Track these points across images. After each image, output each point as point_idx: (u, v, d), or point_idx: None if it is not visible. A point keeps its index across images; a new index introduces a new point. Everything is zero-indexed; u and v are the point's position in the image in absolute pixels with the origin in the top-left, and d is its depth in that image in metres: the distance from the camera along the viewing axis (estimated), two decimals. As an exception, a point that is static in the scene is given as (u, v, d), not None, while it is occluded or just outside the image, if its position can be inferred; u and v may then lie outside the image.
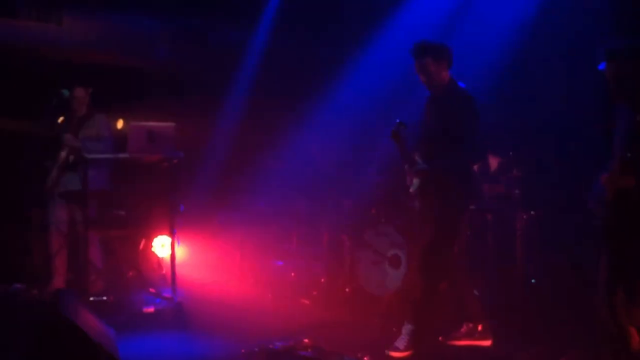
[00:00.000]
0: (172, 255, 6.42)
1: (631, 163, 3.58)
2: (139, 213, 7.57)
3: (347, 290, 6.57)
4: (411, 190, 4.99)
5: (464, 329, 5.11)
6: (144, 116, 6.79)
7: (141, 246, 7.76)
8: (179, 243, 7.86)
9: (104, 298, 6.47)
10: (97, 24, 7.29)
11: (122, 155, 6.34)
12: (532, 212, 6.32)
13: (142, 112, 7.14)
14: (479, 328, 5.10)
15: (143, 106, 7.26)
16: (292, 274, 7.13)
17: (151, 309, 6.20)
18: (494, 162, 6.84)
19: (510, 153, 6.45)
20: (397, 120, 4.96)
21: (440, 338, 5.12)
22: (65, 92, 6.50)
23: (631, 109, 3.77)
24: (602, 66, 3.79)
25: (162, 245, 7.97)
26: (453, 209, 4.90)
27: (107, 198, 6.86)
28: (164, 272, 7.62)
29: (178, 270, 7.70)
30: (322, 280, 6.87)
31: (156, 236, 7.82)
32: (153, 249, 7.90)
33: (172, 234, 6.48)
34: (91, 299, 6.41)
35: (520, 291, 6.11)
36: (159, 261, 7.83)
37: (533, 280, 6.21)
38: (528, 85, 6.54)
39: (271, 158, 7.52)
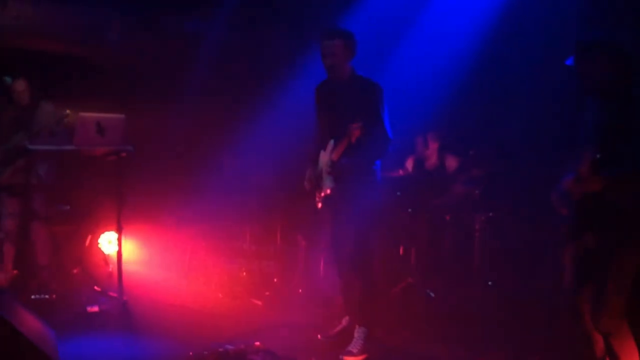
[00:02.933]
0: (119, 252, 6.12)
1: (599, 165, 3.44)
2: (85, 208, 7.30)
3: (300, 291, 6.39)
4: (327, 191, 4.79)
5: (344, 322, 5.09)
6: (93, 107, 6.47)
7: (87, 242, 7.48)
8: (127, 239, 7.65)
9: (47, 296, 6.18)
10: (44, 8, 6.91)
11: (68, 148, 6.04)
12: (490, 214, 6.26)
13: (91, 102, 6.80)
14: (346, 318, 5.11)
15: (92, 96, 6.91)
16: (244, 274, 6.91)
17: (95, 309, 5.91)
18: (453, 162, 6.76)
19: (471, 152, 6.36)
20: (312, 175, 4.90)
21: (319, 336, 5.05)
22: (8, 80, 6.18)
23: (600, 105, 3.64)
24: (569, 61, 3.67)
25: (109, 242, 7.71)
26: (371, 202, 4.77)
27: (54, 192, 6.56)
28: (110, 269, 7.35)
29: (126, 268, 7.47)
30: (275, 280, 6.67)
31: (103, 232, 7.55)
32: (100, 246, 7.61)
33: (119, 230, 6.20)
34: (33, 297, 6.14)
35: (477, 293, 6.02)
36: (105, 258, 7.54)
37: (490, 283, 6.13)
38: (490, 83, 6.46)
39: (225, 153, 7.28)
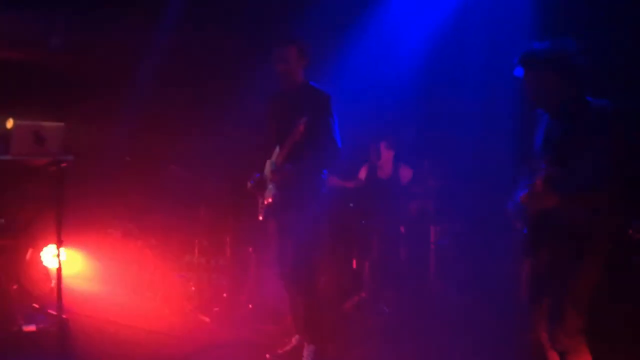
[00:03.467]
0: (59, 267, 5.84)
1: (554, 180, 3.29)
2: (23, 221, 6.94)
3: (250, 306, 6.14)
4: (268, 199, 4.60)
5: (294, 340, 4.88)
6: (34, 114, 6.17)
7: (28, 257, 7.12)
8: (72, 252, 7.32)
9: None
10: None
11: (3, 158, 5.73)
12: (445, 225, 6.13)
13: (31, 109, 6.48)
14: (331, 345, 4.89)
15: (33, 104, 6.59)
16: (193, 288, 6.64)
17: (32, 328, 5.56)
18: (407, 173, 6.62)
19: (425, 163, 6.23)
20: (257, 175, 4.74)
21: (267, 355, 4.83)
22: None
23: (552, 117, 3.51)
24: (518, 72, 3.51)
25: (53, 256, 7.37)
26: (316, 214, 4.59)
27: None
28: (53, 285, 7.01)
29: (70, 283, 7.19)
30: (225, 295, 6.42)
31: (45, 246, 7.20)
32: (42, 260, 7.26)
33: (59, 243, 5.90)
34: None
35: (433, 307, 5.87)
36: (47, 273, 7.18)
37: (448, 296, 5.98)
38: (445, 91, 6.35)
39: (173, 163, 7.01)
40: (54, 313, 5.70)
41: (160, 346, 5.26)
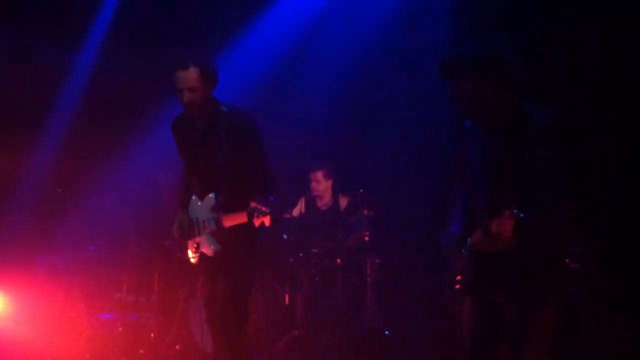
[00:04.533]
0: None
1: (519, 220, 2.74)
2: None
3: (177, 347, 5.72)
4: (210, 253, 4.16)
5: None
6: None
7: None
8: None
9: None
10: None
11: None
12: (383, 256, 5.81)
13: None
14: None
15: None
16: (120, 328, 6.20)
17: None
18: (343, 202, 6.31)
19: (360, 191, 5.92)
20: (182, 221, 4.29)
21: None
22: None
23: (487, 133, 3.06)
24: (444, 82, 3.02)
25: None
26: (254, 256, 4.22)
27: None
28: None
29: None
30: (152, 335, 5.99)
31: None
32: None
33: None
34: None
35: (370, 344, 5.51)
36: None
37: (387, 332, 5.64)
38: (379, 118, 6.07)
39: (98, 194, 6.63)
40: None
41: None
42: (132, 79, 6.83)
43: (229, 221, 4.01)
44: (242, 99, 4.35)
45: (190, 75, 3.94)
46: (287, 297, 5.86)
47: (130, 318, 6.24)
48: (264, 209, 3.76)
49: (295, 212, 6.58)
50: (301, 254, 5.89)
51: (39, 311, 6.82)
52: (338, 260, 5.89)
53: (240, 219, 3.92)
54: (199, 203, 4.23)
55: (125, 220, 6.53)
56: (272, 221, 3.84)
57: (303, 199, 6.60)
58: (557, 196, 2.75)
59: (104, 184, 6.75)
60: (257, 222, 3.78)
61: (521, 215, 2.70)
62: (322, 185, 6.39)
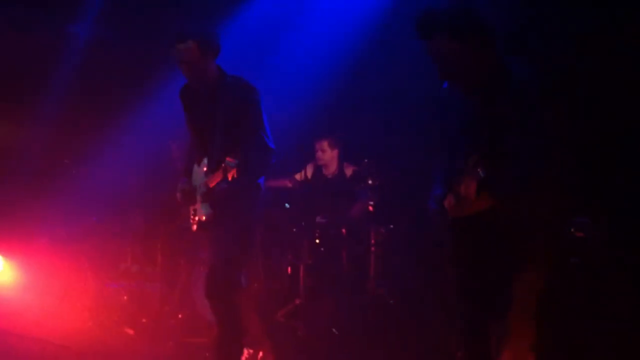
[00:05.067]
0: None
1: (483, 179, 2.71)
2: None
3: (180, 316, 5.69)
4: (201, 217, 4.12)
5: (244, 355, 4.41)
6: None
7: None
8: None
9: None
10: None
11: None
12: (391, 226, 5.71)
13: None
14: (260, 355, 4.53)
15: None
16: (125, 297, 6.19)
17: None
18: (348, 171, 6.21)
19: (365, 161, 5.80)
20: (184, 184, 4.26)
21: None
22: None
23: (466, 95, 2.92)
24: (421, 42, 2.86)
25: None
26: (249, 225, 4.14)
27: None
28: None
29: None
30: (156, 304, 5.96)
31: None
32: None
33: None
34: None
35: (374, 313, 5.43)
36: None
37: (391, 302, 5.55)
38: (384, 84, 5.92)
39: (101, 164, 6.58)
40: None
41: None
42: (138, 44, 6.73)
43: (211, 181, 3.98)
44: (243, 69, 4.24)
45: (188, 48, 3.90)
46: (289, 267, 5.80)
47: (135, 287, 6.23)
48: (233, 161, 3.76)
49: (298, 176, 6.48)
50: (303, 223, 5.81)
51: (44, 280, 6.86)
52: (343, 230, 5.80)
53: (218, 176, 3.91)
54: (198, 169, 4.21)
55: (129, 191, 6.48)
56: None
57: (310, 166, 6.50)
58: (537, 160, 2.63)
59: (107, 154, 6.69)
60: (229, 176, 3.79)
61: (482, 174, 2.60)
62: (327, 154, 6.29)
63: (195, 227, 4.22)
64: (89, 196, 6.65)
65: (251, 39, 6.12)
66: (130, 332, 5.62)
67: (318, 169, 6.43)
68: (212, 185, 3.98)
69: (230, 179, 3.79)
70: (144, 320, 5.77)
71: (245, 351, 4.48)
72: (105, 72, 6.77)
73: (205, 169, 4.09)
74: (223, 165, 3.80)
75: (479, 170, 2.68)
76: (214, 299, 4.06)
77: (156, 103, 6.31)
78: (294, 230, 5.82)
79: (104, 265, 6.62)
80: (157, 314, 5.81)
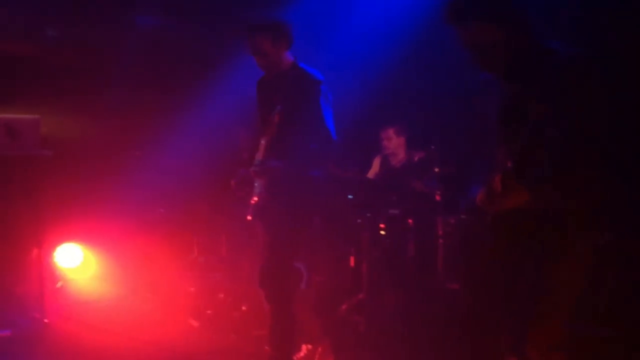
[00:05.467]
0: (40, 268, 5.57)
1: (516, 172, 2.51)
2: (20, 219, 6.66)
3: (243, 308, 5.64)
4: (254, 198, 4.03)
5: (303, 351, 4.36)
6: (28, 108, 5.90)
7: (33, 256, 6.88)
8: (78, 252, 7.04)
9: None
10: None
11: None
12: (462, 216, 5.45)
13: (25, 104, 6.20)
14: (319, 351, 4.43)
15: (30, 98, 6.28)
16: (192, 289, 6.21)
17: (7, 333, 5.27)
18: (415, 158, 5.98)
19: (432, 148, 5.56)
20: (242, 172, 4.22)
21: None
22: None
23: (504, 81, 2.73)
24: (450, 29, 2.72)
25: (67, 255, 7.11)
26: (302, 218, 4.04)
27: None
28: (59, 285, 6.75)
29: (74, 283, 6.91)
30: (221, 296, 5.94)
31: (57, 244, 6.94)
32: (54, 259, 7.01)
33: (39, 242, 5.62)
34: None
35: (441, 310, 5.20)
36: (56, 273, 6.92)
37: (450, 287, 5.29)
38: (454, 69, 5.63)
39: (170, 156, 6.60)
40: (37, 317, 5.46)
41: (138, 355, 4.85)
42: (205, 33, 6.70)
43: (261, 152, 3.99)
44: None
45: (260, 40, 3.96)
46: (352, 259, 5.63)
47: (201, 279, 6.25)
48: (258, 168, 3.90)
49: (371, 174, 6.31)
50: (368, 214, 5.62)
51: (117, 271, 6.98)
52: (409, 220, 5.58)
53: (266, 143, 3.97)
54: (257, 155, 4.15)
55: (195, 181, 6.48)
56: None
57: (377, 158, 6.32)
58: (568, 153, 2.43)
59: (175, 145, 6.70)
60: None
61: (511, 166, 2.38)
62: (393, 142, 6.10)
63: (250, 216, 4.14)
64: (157, 187, 6.70)
65: (314, 27, 5.97)
66: (195, 323, 5.61)
67: (385, 159, 6.24)
68: (261, 156, 3.96)
69: (274, 129, 3.85)
70: (208, 311, 5.75)
71: (304, 347, 4.41)
72: (172, 62, 6.78)
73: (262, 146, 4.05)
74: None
75: (508, 162, 2.47)
76: (267, 289, 4.01)
77: (224, 93, 6.26)
78: (358, 221, 5.64)
79: (172, 256, 6.67)
80: (222, 306, 5.79)
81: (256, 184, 4.02)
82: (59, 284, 6.77)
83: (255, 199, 3.97)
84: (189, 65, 6.69)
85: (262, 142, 4.02)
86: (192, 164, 6.51)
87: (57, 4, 6.38)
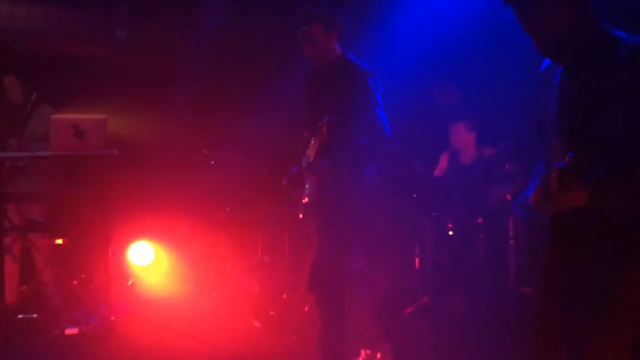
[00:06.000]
0: (106, 265, 5.64)
1: (575, 168, 2.27)
2: (93, 217, 6.78)
3: (305, 309, 5.53)
4: (305, 199, 3.92)
5: (362, 356, 4.21)
6: (97, 108, 6.00)
7: (108, 254, 7.00)
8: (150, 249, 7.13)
9: (34, 315, 5.68)
10: (41, 7, 6.45)
11: (41, 154, 5.56)
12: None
13: (94, 104, 6.30)
14: (378, 356, 4.27)
15: (94, 97, 6.38)
16: (257, 289, 6.15)
17: (75, 331, 5.33)
18: (485, 155, 5.71)
19: (502, 144, 5.29)
20: (293, 170, 4.17)
21: None
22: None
23: (567, 71, 2.48)
24: (507, 16, 2.48)
25: (140, 253, 7.23)
26: (355, 218, 3.86)
27: (58, 201, 6.07)
28: (130, 283, 6.85)
29: (143, 280, 7.00)
30: (285, 296, 5.85)
31: (130, 242, 7.05)
32: (127, 257, 7.13)
33: (107, 240, 5.69)
34: (20, 316, 5.67)
35: (512, 310, 4.94)
36: (126, 271, 7.04)
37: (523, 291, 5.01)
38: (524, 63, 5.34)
39: (235, 154, 6.57)
40: (104, 314, 5.53)
41: (198, 356, 4.82)
42: (270, 31, 6.63)
43: (312, 154, 3.86)
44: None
45: (312, 29, 3.91)
46: (417, 260, 5.43)
47: (266, 278, 6.19)
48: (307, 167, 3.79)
49: (438, 171, 6.06)
50: (434, 214, 5.40)
51: (185, 270, 7.02)
52: (479, 220, 5.33)
53: (314, 148, 3.84)
54: (308, 152, 4.06)
55: (258, 181, 6.42)
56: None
57: (445, 155, 6.07)
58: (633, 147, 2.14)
59: (239, 144, 6.67)
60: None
61: (570, 162, 2.13)
62: (462, 137, 5.83)
63: (301, 214, 4.04)
64: (223, 186, 6.69)
65: (378, 19, 5.81)
66: (258, 324, 5.54)
67: (453, 156, 5.98)
68: (312, 158, 3.83)
69: (322, 140, 3.71)
70: (271, 312, 5.68)
71: (363, 351, 4.26)
72: (240, 60, 6.74)
73: (312, 146, 3.92)
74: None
75: (566, 158, 2.22)
76: (316, 293, 3.88)
77: (292, 92, 6.17)
78: (425, 221, 5.43)
79: (239, 255, 6.65)
80: (285, 306, 5.70)
81: (307, 185, 3.90)
82: (129, 282, 6.89)
83: (306, 199, 3.85)
84: (256, 64, 6.62)
85: (312, 141, 3.88)
86: (258, 163, 6.43)
87: (126, 5, 6.47)
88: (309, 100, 4.21)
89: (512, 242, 5.10)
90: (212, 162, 6.79)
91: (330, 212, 3.81)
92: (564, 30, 2.40)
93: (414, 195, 5.53)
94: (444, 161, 6.07)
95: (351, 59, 4.00)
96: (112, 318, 5.49)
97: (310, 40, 3.92)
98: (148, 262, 7.19)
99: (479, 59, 5.65)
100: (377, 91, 3.88)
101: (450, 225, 5.36)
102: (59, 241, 6.07)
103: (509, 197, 5.19)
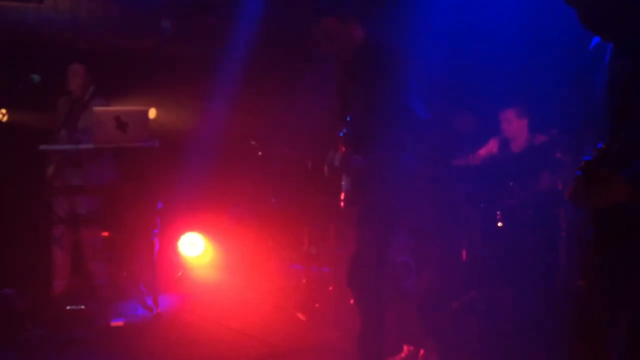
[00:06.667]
0: (151, 258, 5.66)
1: (620, 159, 2.10)
2: (141, 210, 6.83)
3: (351, 302, 5.42)
4: (342, 194, 3.81)
5: (404, 352, 4.07)
6: (146, 101, 6.04)
7: (157, 246, 7.06)
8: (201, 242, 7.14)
9: (82, 307, 5.74)
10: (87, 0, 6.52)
11: (84, 147, 5.61)
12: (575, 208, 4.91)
13: (142, 96, 6.35)
14: (421, 353, 4.13)
15: (142, 90, 6.42)
16: (304, 281, 6.08)
17: (120, 322, 5.38)
18: (537, 143, 5.47)
19: (553, 132, 5.05)
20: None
21: None
22: (35, 77, 5.81)
23: (619, 50, 2.27)
24: None
25: (192, 244, 7.26)
26: (393, 210, 3.71)
27: (107, 193, 6.13)
28: (179, 274, 6.89)
29: (193, 272, 7.02)
30: (331, 289, 5.76)
31: (183, 234, 7.09)
32: (179, 249, 7.17)
33: (152, 232, 5.71)
34: (68, 307, 5.74)
35: (564, 304, 4.71)
36: (177, 262, 7.08)
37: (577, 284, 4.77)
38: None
39: (281, 145, 6.50)
40: (150, 306, 5.57)
41: (245, 348, 4.80)
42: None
43: (341, 154, 3.73)
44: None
45: (327, 25, 3.79)
46: (464, 253, 5.25)
47: (313, 270, 6.11)
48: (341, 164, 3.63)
49: (483, 151, 5.84)
50: (482, 205, 5.21)
51: (234, 261, 7.00)
52: (530, 211, 5.12)
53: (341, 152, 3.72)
54: None
55: (305, 172, 6.34)
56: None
57: (495, 140, 5.85)
58: None
59: (285, 135, 6.61)
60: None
61: (611, 153, 1.94)
62: (513, 125, 5.61)
63: (342, 203, 3.93)
64: (269, 177, 6.64)
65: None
66: (302, 317, 5.47)
67: (504, 143, 5.76)
68: (343, 152, 3.71)
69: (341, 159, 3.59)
70: (316, 305, 5.60)
71: (405, 348, 4.14)
72: (284, 53, 6.66)
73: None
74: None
75: (607, 148, 2.04)
76: (354, 289, 3.76)
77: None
78: (472, 212, 5.25)
79: (286, 247, 6.58)
80: (330, 300, 5.61)
81: (343, 181, 3.79)
82: (179, 274, 6.92)
83: (343, 195, 3.74)
84: (301, 54, 6.52)
85: (344, 130, 3.76)
86: (304, 154, 6.34)
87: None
88: (339, 91, 4.06)
89: (563, 233, 4.88)
90: (260, 153, 6.76)
91: (367, 206, 3.69)
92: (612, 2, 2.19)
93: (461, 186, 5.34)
94: (493, 145, 5.85)
95: (377, 41, 3.83)
96: (158, 310, 5.54)
97: (327, 37, 3.80)
98: (198, 253, 7.21)
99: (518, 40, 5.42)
100: (407, 73, 3.70)
101: (499, 217, 5.16)
102: (107, 233, 6.15)
103: (560, 186, 4.97)
